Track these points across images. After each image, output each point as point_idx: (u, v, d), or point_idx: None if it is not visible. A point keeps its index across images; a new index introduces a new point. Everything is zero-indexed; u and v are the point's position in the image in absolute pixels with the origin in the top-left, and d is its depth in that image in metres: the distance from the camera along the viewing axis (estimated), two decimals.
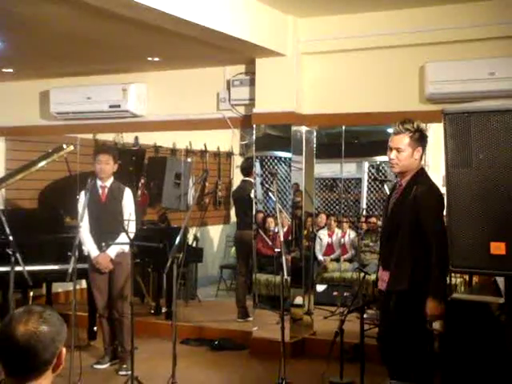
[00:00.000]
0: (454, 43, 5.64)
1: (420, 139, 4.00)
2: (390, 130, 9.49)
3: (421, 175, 4.02)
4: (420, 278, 3.85)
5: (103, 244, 5.55)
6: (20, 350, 1.89)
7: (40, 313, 1.96)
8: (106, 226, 5.61)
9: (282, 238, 5.23)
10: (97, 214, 5.64)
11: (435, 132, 8.59)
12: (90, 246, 5.64)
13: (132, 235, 5.39)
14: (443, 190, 8.89)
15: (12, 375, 1.94)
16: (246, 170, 7.58)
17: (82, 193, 5.53)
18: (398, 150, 3.97)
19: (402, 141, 3.97)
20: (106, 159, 5.61)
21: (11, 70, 7.18)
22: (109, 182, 5.70)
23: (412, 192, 3.91)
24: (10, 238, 5.03)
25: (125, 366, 5.60)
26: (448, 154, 3.18)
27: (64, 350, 2.00)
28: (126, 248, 5.52)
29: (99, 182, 5.68)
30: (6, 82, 7.77)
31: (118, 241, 5.51)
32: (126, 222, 5.35)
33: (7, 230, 5.03)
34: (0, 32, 5.63)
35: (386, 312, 4.09)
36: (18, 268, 5.07)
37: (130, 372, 5.01)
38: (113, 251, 5.61)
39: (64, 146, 6.76)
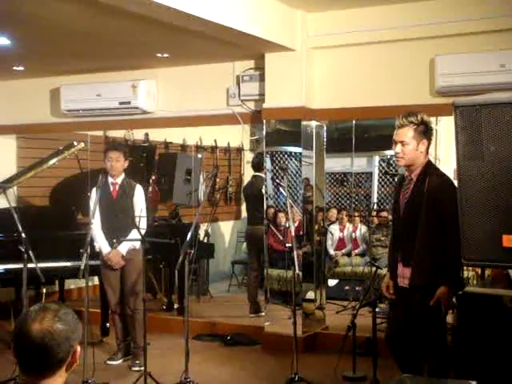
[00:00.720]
0: (464, 35, 5.61)
1: (425, 132, 3.99)
2: None
3: (430, 167, 4.01)
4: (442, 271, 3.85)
5: (114, 241, 5.57)
6: (35, 348, 1.90)
7: (55, 311, 1.97)
8: (118, 223, 5.62)
9: (293, 233, 5.24)
10: (108, 211, 5.66)
11: (445, 125, 8.60)
12: (101, 243, 5.65)
13: (143, 231, 5.41)
14: (455, 182, 8.87)
15: (27, 372, 1.95)
16: (257, 165, 7.57)
17: (94, 189, 5.55)
18: (403, 144, 3.96)
19: (407, 134, 3.96)
20: (116, 156, 5.63)
21: (22, 68, 7.21)
22: (120, 178, 5.71)
23: (425, 185, 3.90)
24: (23, 235, 5.06)
25: (138, 361, 5.62)
26: (459, 147, 3.17)
27: (79, 348, 2.01)
28: (138, 244, 5.55)
29: (110, 179, 5.70)
30: (16, 79, 7.80)
31: (129, 237, 5.53)
32: (137, 219, 5.37)
33: (20, 228, 5.07)
34: (11, 30, 5.65)
35: (407, 308, 4.07)
36: (30, 265, 5.11)
37: (142, 368, 5.03)
38: (124, 248, 5.63)
39: (75, 144, 6.79)
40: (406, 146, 3.95)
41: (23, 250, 5.07)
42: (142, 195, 5.76)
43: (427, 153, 4.03)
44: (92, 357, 4.98)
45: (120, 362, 5.85)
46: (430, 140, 4.02)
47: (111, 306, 5.88)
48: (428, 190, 3.87)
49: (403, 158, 3.98)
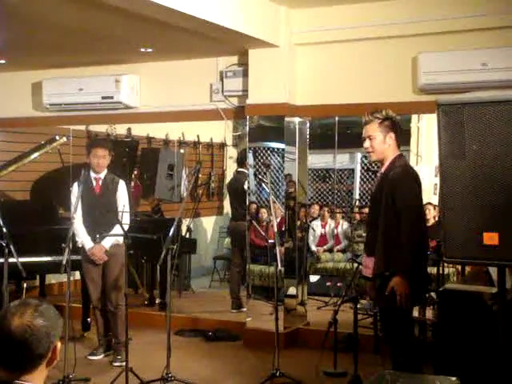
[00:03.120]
0: (447, 34, 5.64)
1: (391, 126, 4.08)
2: None
3: (398, 161, 4.08)
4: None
5: (97, 236, 5.55)
6: (14, 343, 1.89)
7: (36, 306, 1.95)
8: (100, 218, 5.60)
9: (275, 229, 5.25)
10: (90, 206, 5.63)
11: (427, 123, 8.67)
12: (83, 238, 5.62)
13: (126, 227, 5.39)
14: (436, 180, 8.94)
15: (6, 368, 1.94)
16: (242, 160, 7.58)
17: (75, 184, 5.53)
18: (370, 138, 4.06)
19: (373, 128, 4.07)
20: (103, 154, 5.61)
21: (3, 61, 7.15)
22: (103, 174, 5.69)
23: (389, 177, 3.97)
24: (4, 229, 5.02)
25: (119, 356, 5.61)
26: (441, 146, 3.18)
27: (59, 344, 1.99)
28: (121, 239, 5.52)
29: (93, 174, 5.67)
30: None
31: (112, 232, 5.51)
32: (120, 214, 5.35)
33: (0, 222, 5.02)
34: None
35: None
36: (11, 260, 5.07)
37: (124, 363, 5.01)
38: (107, 243, 5.61)
39: (57, 138, 6.74)
40: (374, 140, 4.05)
41: (4, 244, 5.03)
42: (125, 191, 5.75)
43: (397, 146, 4.08)
44: (73, 352, 4.97)
45: (101, 357, 5.82)
46: (397, 134, 4.08)
47: (93, 302, 5.85)
48: (388, 182, 3.94)
49: (373, 153, 4.07)
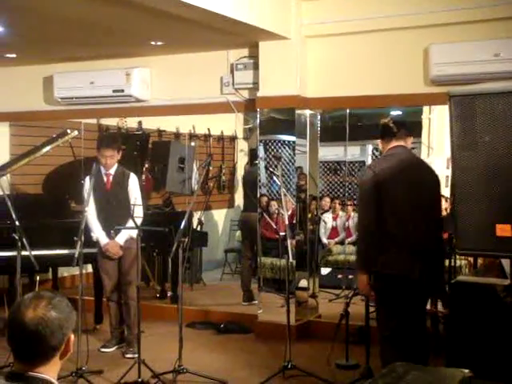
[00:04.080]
0: (459, 24, 5.60)
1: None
2: (394, 113, 9.51)
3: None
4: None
5: (112, 231, 5.57)
6: (28, 335, 1.91)
7: (49, 299, 1.97)
8: (113, 213, 5.62)
9: (286, 222, 5.25)
10: (102, 201, 5.66)
11: (439, 114, 8.62)
12: (98, 233, 5.65)
13: (139, 220, 5.42)
14: (448, 172, 8.89)
15: (20, 360, 1.96)
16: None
17: (87, 178, 5.55)
18: None
19: None
20: (110, 154, 5.62)
21: (14, 55, 7.16)
22: (113, 169, 5.71)
23: None
24: (17, 222, 5.06)
25: (132, 349, 5.63)
26: (453, 137, 3.17)
27: (72, 336, 2.01)
28: (134, 233, 5.53)
29: (103, 170, 5.69)
30: (9, 67, 7.75)
31: (125, 226, 5.51)
32: (132, 208, 5.35)
33: (13, 215, 5.06)
34: (3, 17, 5.61)
35: None
36: (24, 253, 5.11)
37: (136, 355, 5.04)
38: (122, 238, 5.63)
39: (68, 131, 6.74)
40: None
41: (17, 237, 5.07)
42: (136, 184, 5.76)
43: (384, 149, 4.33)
44: (86, 344, 4.99)
45: (113, 349, 5.85)
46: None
47: (106, 293, 5.89)
48: None
49: None
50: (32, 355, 1.94)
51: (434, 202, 4.18)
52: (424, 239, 4.02)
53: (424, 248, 3.99)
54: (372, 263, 4.00)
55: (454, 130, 3.16)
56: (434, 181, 4.23)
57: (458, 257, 5.99)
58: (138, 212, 5.48)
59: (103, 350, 5.82)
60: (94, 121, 8.19)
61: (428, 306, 5.40)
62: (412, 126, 9.33)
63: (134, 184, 5.74)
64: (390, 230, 3.97)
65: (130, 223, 5.37)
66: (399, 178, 4.06)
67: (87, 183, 5.54)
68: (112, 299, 5.84)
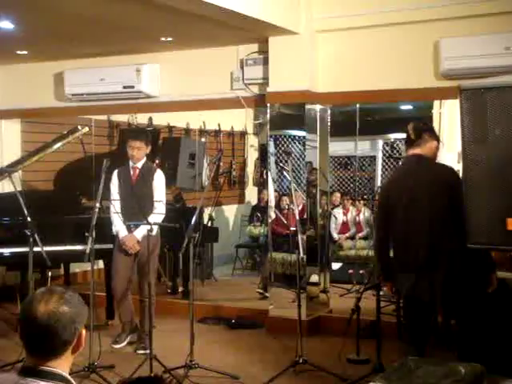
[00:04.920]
0: (469, 18, 5.58)
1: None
2: (405, 107, 9.47)
3: None
4: None
5: (131, 226, 5.57)
6: (40, 329, 1.92)
7: (61, 293, 1.98)
8: (135, 207, 5.55)
9: (297, 217, 5.26)
10: (126, 195, 5.65)
11: (449, 108, 8.58)
12: (119, 227, 5.64)
13: (161, 217, 5.43)
14: (459, 166, 8.85)
15: (32, 354, 1.97)
16: None
17: (115, 172, 5.62)
18: None
19: None
20: (137, 145, 5.62)
21: (26, 52, 7.19)
22: (140, 163, 5.70)
23: None
24: (29, 219, 5.08)
25: (143, 344, 5.65)
26: (464, 131, 3.17)
27: (84, 331, 2.02)
28: (155, 231, 5.50)
29: (131, 163, 5.70)
30: (20, 64, 7.79)
31: (136, 222, 5.50)
32: (155, 203, 5.41)
33: (25, 212, 5.08)
34: (14, 14, 5.63)
35: None
36: (36, 249, 5.14)
37: (148, 351, 5.06)
38: (140, 233, 5.60)
39: (79, 128, 6.76)
40: None
41: (29, 233, 5.10)
42: (162, 181, 5.74)
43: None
44: (97, 340, 5.02)
45: (124, 344, 5.85)
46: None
47: (116, 294, 5.81)
48: None
49: None
50: (44, 349, 1.95)
51: (444, 212, 3.86)
52: (425, 255, 3.93)
53: (426, 262, 3.92)
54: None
55: (464, 124, 3.15)
56: (448, 186, 3.88)
57: None
58: (161, 209, 5.52)
59: (114, 346, 5.80)
60: (104, 117, 8.22)
61: None
62: (423, 121, 9.32)
63: (159, 180, 5.72)
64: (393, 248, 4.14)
65: (151, 218, 5.39)
66: (398, 194, 4.05)
67: (114, 178, 5.61)
68: (119, 295, 5.78)
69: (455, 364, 3.00)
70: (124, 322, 5.91)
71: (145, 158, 5.74)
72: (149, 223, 5.14)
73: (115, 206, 5.62)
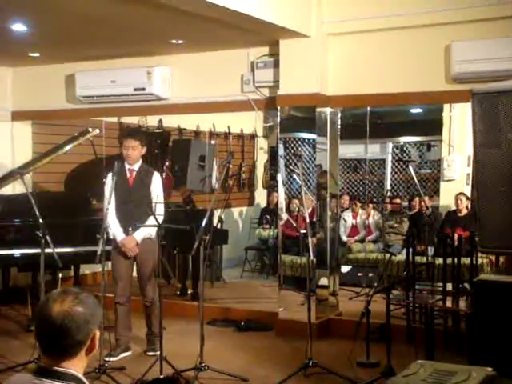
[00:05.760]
0: (480, 22, 5.56)
1: None
2: (414, 111, 9.45)
3: None
4: None
5: (130, 228, 5.47)
6: (54, 328, 1.94)
7: (76, 294, 2.00)
8: (133, 210, 5.52)
9: (307, 220, 5.26)
10: (124, 198, 5.54)
11: (459, 112, 8.57)
12: (115, 230, 5.52)
13: (160, 218, 5.40)
14: (469, 170, 8.83)
15: (47, 354, 1.99)
16: None
17: (110, 175, 5.50)
18: None
19: None
20: (132, 145, 5.51)
21: (38, 54, 7.23)
22: (137, 165, 5.62)
23: None
24: (40, 220, 5.11)
25: (153, 347, 5.63)
26: (476, 135, 3.17)
27: (98, 333, 2.03)
28: (153, 233, 5.49)
29: (127, 166, 5.60)
30: (32, 66, 7.83)
31: (143, 224, 5.46)
32: (153, 205, 5.35)
33: (37, 213, 5.11)
34: (27, 17, 5.67)
35: None
36: (47, 250, 5.16)
37: (158, 352, 5.06)
38: (139, 235, 5.52)
39: (90, 130, 6.79)
40: None
41: (40, 235, 5.12)
42: (159, 182, 5.67)
43: None
44: (109, 341, 5.04)
45: (118, 358, 5.48)
46: None
47: (116, 296, 5.62)
48: None
49: None
50: (58, 349, 1.97)
51: None
52: None
53: None
54: None
55: (476, 128, 3.15)
56: None
57: (479, 255, 5.97)
58: (160, 210, 5.46)
59: (107, 359, 5.28)
60: (114, 119, 8.25)
61: (449, 304, 5.40)
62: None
63: (156, 182, 5.65)
64: None
65: (150, 221, 5.36)
66: None
67: (109, 180, 5.47)
68: (121, 302, 5.62)
69: (467, 367, 3.00)
70: (118, 338, 5.61)
71: (140, 160, 5.64)
72: (159, 224, 5.12)
73: (110, 209, 5.47)
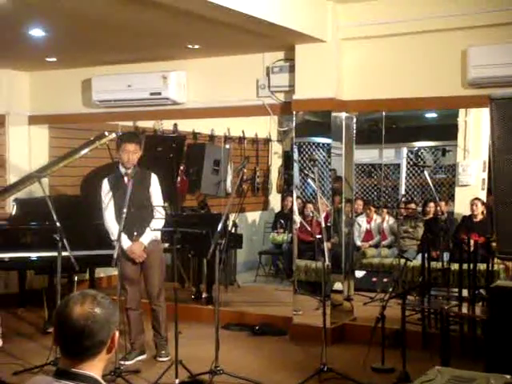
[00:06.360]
0: (497, 26, 5.54)
1: None
2: (429, 115, 9.41)
3: None
4: None
5: (135, 233, 5.42)
6: (78, 329, 1.95)
7: (94, 296, 2.03)
8: (134, 214, 5.38)
9: (323, 225, 5.26)
10: (123, 203, 5.22)
11: (475, 117, 8.54)
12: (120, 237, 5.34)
13: (162, 221, 5.40)
14: (484, 175, 8.77)
15: (68, 355, 1.99)
16: None
17: (105, 181, 5.49)
18: None
19: None
20: (133, 149, 5.44)
21: (55, 59, 7.29)
22: (132, 169, 5.48)
23: None
24: (58, 224, 5.14)
25: (163, 352, 5.60)
26: (494, 140, 3.16)
27: (117, 332, 2.06)
28: (158, 235, 5.53)
29: (123, 170, 5.50)
30: (49, 70, 7.89)
31: (150, 227, 5.42)
32: (159, 208, 5.37)
33: (54, 216, 5.14)
34: (44, 22, 5.71)
35: None
36: (64, 253, 5.19)
37: (169, 357, 5.02)
38: (146, 239, 5.48)
39: (106, 134, 6.83)
40: None
41: (58, 238, 5.15)
42: (157, 184, 5.59)
43: None
44: (124, 344, 5.06)
45: (133, 362, 5.52)
46: None
47: (127, 302, 5.57)
48: None
49: None
50: (81, 350, 1.98)
51: None
52: None
53: None
54: None
55: (494, 133, 3.14)
56: None
57: (495, 261, 5.94)
58: (162, 213, 5.45)
59: (122, 362, 5.30)
60: (130, 123, 8.29)
61: (465, 310, 5.37)
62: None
63: (155, 184, 5.59)
64: None
65: (154, 224, 5.38)
66: None
67: (105, 186, 5.47)
68: (133, 307, 5.59)
69: (485, 374, 2.99)
70: (134, 341, 5.63)
71: (135, 164, 5.53)
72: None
73: (110, 216, 5.47)
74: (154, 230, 5.48)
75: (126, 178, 5.45)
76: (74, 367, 1.99)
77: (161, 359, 5.60)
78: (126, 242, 5.44)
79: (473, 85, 5.64)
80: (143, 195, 5.52)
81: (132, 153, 5.45)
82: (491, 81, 5.47)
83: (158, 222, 5.45)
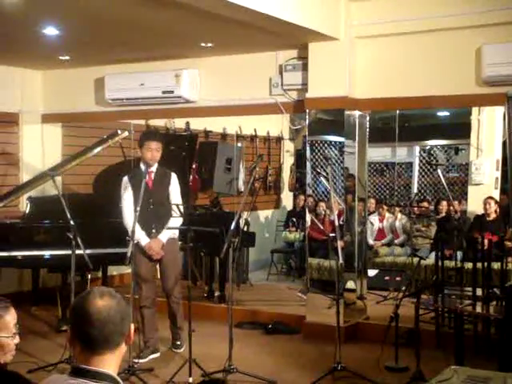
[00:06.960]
0: (511, 24, 5.52)
1: None
2: (442, 114, 9.37)
3: None
4: None
5: (153, 231, 5.48)
6: (101, 321, 1.97)
7: (109, 291, 2.06)
8: (153, 212, 5.48)
9: (336, 223, 5.25)
10: (143, 201, 5.28)
11: (488, 115, 8.50)
12: (138, 233, 5.43)
13: (181, 219, 5.41)
14: (497, 174, 8.72)
15: (90, 349, 1.99)
16: None
17: (125, 179, 5.54)
18: None
19: None
20: (157, 147, 5.53)
21: (68, 58, 7.30)
22: (154, 167, 5.60)
23: None
24: (71, 222, 5.15)
25: (178, 342, 5.69)
26: (510, 138, 3.14)
27: (132, 325, 2.09)
28: (176, 233, 5.56)
29: (144, 168, 5.56)
30: (62, 69, 7.92)
31: (168, 225, 5.46)
32: (179, 207, 5.37)
33: (68, 215, 5.15)
34: (57, 20, 5.73)
35: None
36: (78, 251, 5.21)
37: (183, 348, 5.02)
38: (164, 236, 5.53)
39: (119, 132, 6.85)
40: None
41: (71, 236, 5.17)
42: (177, 183, 5.66)
43: None
44: (138, 342, 5.07)
45: (147, 360, 5.52)
46: None
47: (141, 300, 5.61)
48: None
49: None
50: (105, 341, 1.98)
51: None
52: None
53: None
54: None
55: (510, 131, 3.12)
56: None
57: (510, 260, 5.91)
58: (180, 212, 5.44)
59: (136, 360, 5.30)
60: (143, 121, 8.30)
61: (479, 310, 5.35)
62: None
63: (175, 183, 5.66)
64: None
65: (172, 222, 5.40)
66: None
67: (125, 182, 5.53)
68: (147, 305, 5.62)
69: (502, 374, 2.97)
70: (147, 340, 5.63)
71: (157, 163, 5.61)
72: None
73: (128, 213, 5.46)
74: (169, 228, 5.49)
75: (147, 176, 5.50)
76: (92, 363, 1.99)
77: (175, 350, 5.70)
78: (144, 239, 5.48)
79: (487, 83, 5.61)
80: (163, 193, 5.59)
81: (155, 150, 5.54)
82: (506, 79, 5.44)
83: (177, 220, 5.46)
